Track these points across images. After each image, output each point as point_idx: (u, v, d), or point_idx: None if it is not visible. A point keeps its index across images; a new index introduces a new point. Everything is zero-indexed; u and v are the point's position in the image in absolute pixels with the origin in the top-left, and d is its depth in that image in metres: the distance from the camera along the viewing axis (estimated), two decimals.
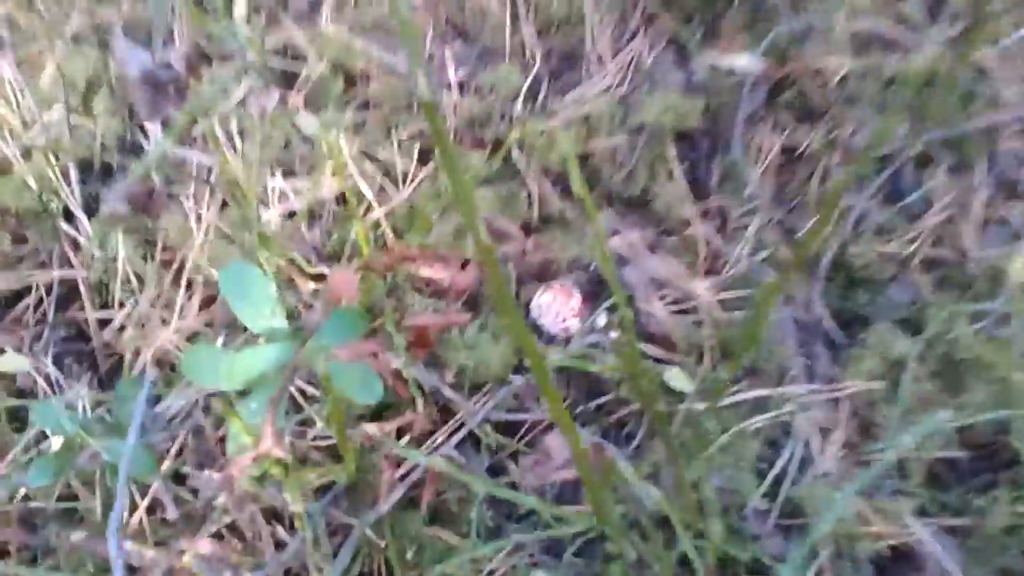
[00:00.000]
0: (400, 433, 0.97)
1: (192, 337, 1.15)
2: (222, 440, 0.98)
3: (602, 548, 0.98)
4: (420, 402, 0.89)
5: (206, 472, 0.79)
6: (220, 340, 1.03)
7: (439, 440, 1.03)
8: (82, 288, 1.21)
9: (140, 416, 0.80)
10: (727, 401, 1.05)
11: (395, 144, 1.26)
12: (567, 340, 1.14)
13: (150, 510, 0.93)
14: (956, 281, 1.13)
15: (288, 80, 1.32)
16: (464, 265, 1.14)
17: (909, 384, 1.06)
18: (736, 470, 1.00)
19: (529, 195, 1.24)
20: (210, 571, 0.79)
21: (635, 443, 1.07)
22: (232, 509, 0.75)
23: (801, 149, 1.26)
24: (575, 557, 0.97)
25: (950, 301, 1.10)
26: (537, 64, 1.30)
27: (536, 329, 1.16)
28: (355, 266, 0.91)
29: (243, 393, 0.86)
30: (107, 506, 0.94)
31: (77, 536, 0.93)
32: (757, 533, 0.98)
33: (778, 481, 1.02)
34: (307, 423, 1.02)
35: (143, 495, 0.94)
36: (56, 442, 1.02)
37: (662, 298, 1.16)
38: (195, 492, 0.98)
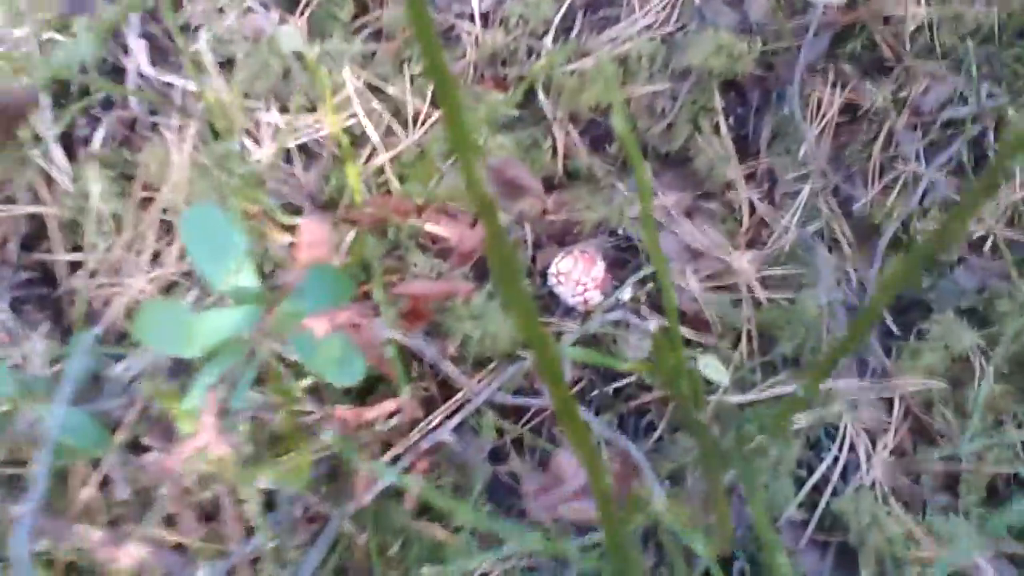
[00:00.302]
0: (390, 413, 0.87)
1: (169, 288, 1.04)
2: None
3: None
4: (408, 388, 0.77)
5: (153, 453, 0.69)
6: (191, 296, 0.93)
7: (435, 421, 0.92)
8: (51, 226, 1.10)
9: (74, 376, 0.70)
10: (765, 395, 0.93)
11: (407, 80, 1.13)
12: (586, 314, 1.02)
13: (103, 485, 0.83)
14: None
15: (291, 0, 1.19)
16: (474, 223, 1.02)
17: (973, 385, 0.94)
18: (772, 475, 0.89)
19: (554, 145, 1.11)
20: (159, 559, 0.70)
21: (656, 435, 0.96)
22: (172, 504, 0.65)
23: (865, 107, 1.12)
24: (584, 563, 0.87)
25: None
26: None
27: (553, 299, 1.04)
28: (336, 216, 0.79)
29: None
30: (58, 481, 0.85)
31: (18, 511, 0.84)
32: (791, 547, 0.87)
33: (818, 489, 0.91)
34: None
35: (95, 467, 0.85)
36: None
37: (697, 271, 1.04)
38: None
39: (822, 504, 0.90)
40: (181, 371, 0.91)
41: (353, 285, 0.73)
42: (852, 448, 0.92)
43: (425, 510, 0.90)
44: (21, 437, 0.76)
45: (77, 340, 0.82)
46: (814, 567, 0.87)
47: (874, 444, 0.92)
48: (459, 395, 0.94)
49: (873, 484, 0.90)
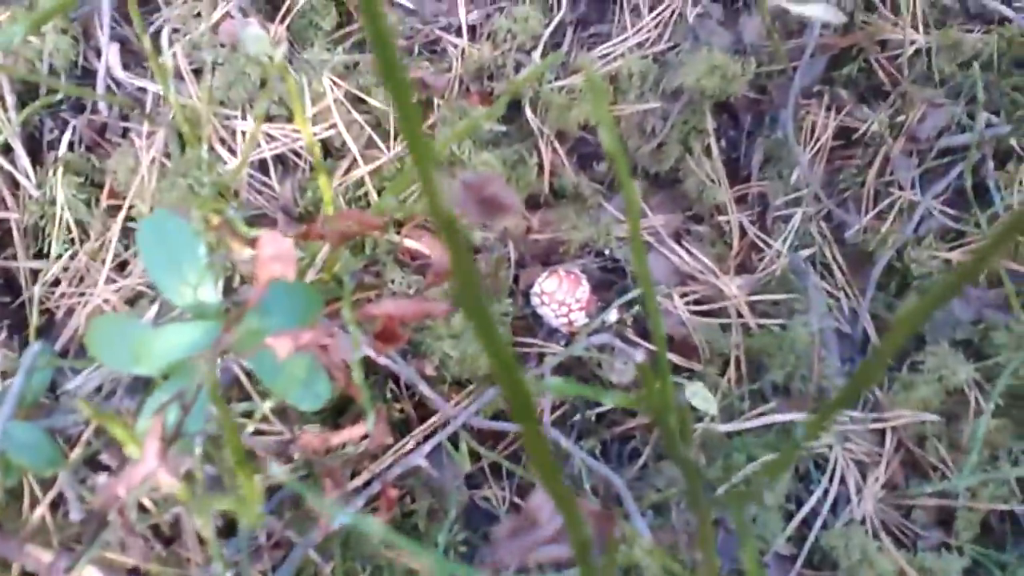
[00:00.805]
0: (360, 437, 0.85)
1: (134, 300, 1.02)
2: None
3: None
4: (374, 415, 0.75)
5: (105, 474, 0.66)
6: (154, 309, 0.91)
7: (409, 445, 0.90)
8: (15, 232, 1.08)
9: (20, 390, 0.67)
10: (753, 423, 0.92)
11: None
12: (570, 336, 1.01)
13: (54, 506, 0.81)
14: None
15: (273, 7, 1.18)
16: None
17: (968, 418, 0.93)
18: (761, 507, 0.87)
19: (540, 162, 1.10)
20: None
21: (640, 463, 0.95)
22: (121, 529, 0.63)
23: (860, 132, 1.13)
24: None
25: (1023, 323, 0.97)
26: (562, 9, 1.15)
27: (536, 320, 1.03)
28: (297, 230, 0.77)
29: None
30: (13, 495, 0.82)
31: None
32: None
33: (807, 523, 0.89)
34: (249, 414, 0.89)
35: (46, 489, 0.82)
36: None
37: (685, 295, 1.03)
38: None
39: (811, 538, 0.89)
40: (140, 388, 0.89)
41: (322, 302, 0.72)
42: (842, 481, 0.91)
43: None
44: None
45: (28, 352, 0.79)
46: None
47: (865, 477, 0.92)
48: (435, 417, 0.92)
49: (864, 519, 0.89)
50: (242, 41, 0.96)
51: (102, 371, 0.87)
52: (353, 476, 0.86)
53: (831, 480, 0.91)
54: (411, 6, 1.22)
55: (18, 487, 0.83)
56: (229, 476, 0.80)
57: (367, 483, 0.87)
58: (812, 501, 0.90)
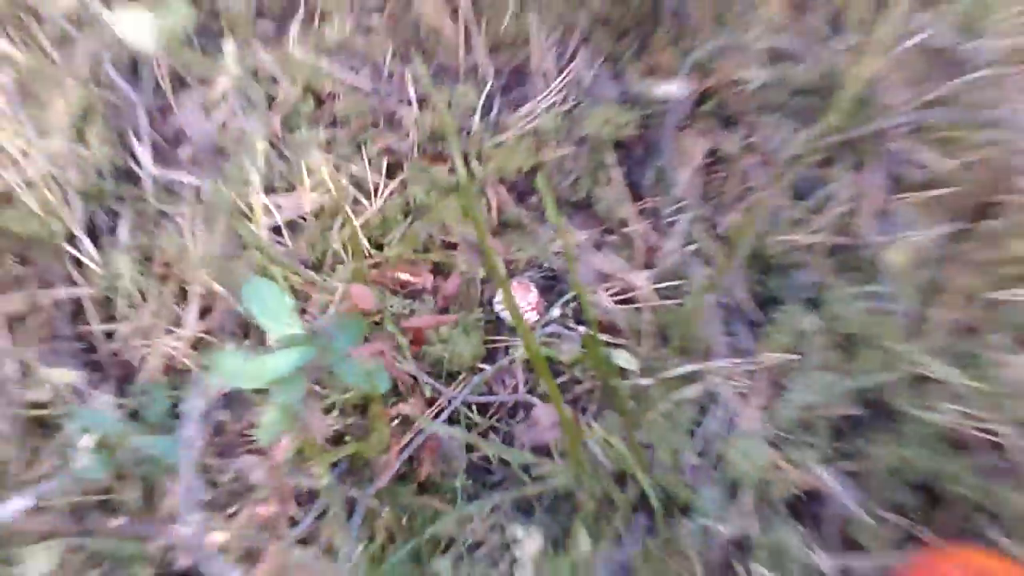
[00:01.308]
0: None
1: (197, 343, 1.37)
2: (240, 434, 1.22)
3: (567, 505, 1.25)
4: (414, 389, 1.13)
5: (244, 457, 1.02)
6: (232, 345, 1.26)
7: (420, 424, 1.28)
8: (87, 304, 1.42)
9: (192, 414, 1.03)
10: (665, 375, 1.32)
11: (365, 159, 1.49)
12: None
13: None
14: (852, 265, 1.42)
15: (264, 102, 1.53)
16: (433, 271, 1.39)
17: (814, 354, 1.34)
18: (675, 432, 1.27)
19: (488, 202, 1.48)
20: (259, 536, 1.03)
21: (590, 416, 1.34)
22: (271, 485, 0.98)
23: (723, 152, 1.53)
24: (544, 513, 1.24)
25: (846, 283, 1.38)
26: (490, 83, 1.54)
27: (500, 322, 1.42)
28: (353, 278, 1.14)
29: (260, 392, 1.10)
30: (147, 494, 1.17)
31: (117, 522, 1.16)
32: (694, 484, 1.25)
33: (709, 440, 1.29)
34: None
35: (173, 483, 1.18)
36: (87, 442, 1.24)
37: (607, 289, 1.42)
38: (214, 483, 1.22)
39: (713, 451, 1.29)
40: (229, 404, 1.25)
41: (364, 326, 1.08)
42: (730, 408, 1.31)
43: (424, 490, 1.26)
44: (127, 463, 1.08)
45: (145, 388, 1.15)
46: (711, 496, 1.25)
47: (746, 404, 1.32)
48: (440, 400, 1.30)
49: (748, 432, 1.30)
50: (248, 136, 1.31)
51: (207, 394, 1.22)
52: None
53: (723, 408, 1.31)
54: (368, 88, 1.58)
55: (150, 486, 1.18)
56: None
57: (405, 446, 1.25)
58: (711, 424, 1.30)
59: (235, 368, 1.01)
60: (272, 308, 1.03)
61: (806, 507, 1.27)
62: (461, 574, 1.16)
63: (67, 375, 1.24)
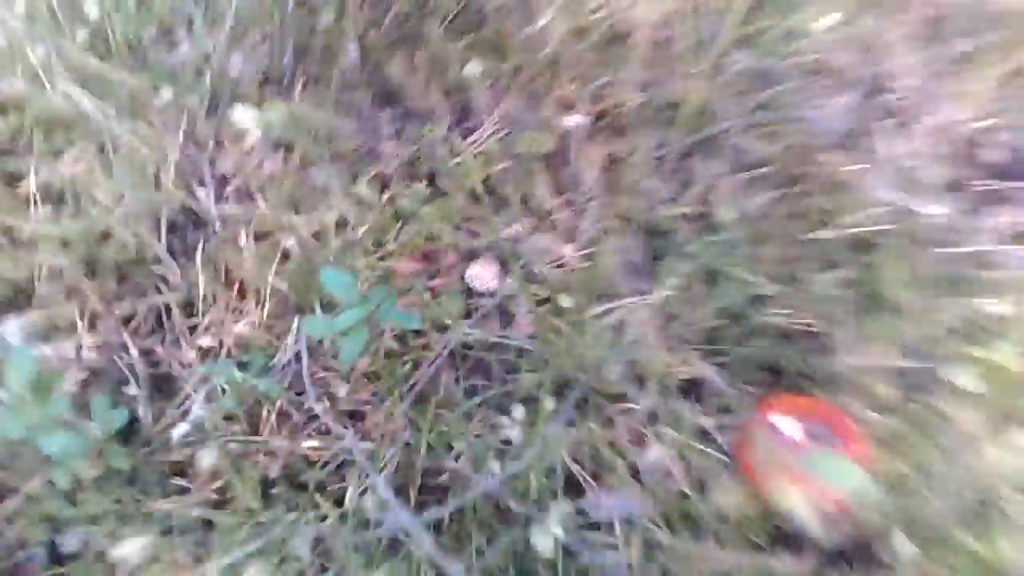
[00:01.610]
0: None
1: (258, 326, 1.95)
2: (313, 375, 1.81)
3: (533, 404, 1.87)
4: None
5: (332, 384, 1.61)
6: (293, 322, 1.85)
7: (429, 362, 1.88)
8: (174, 307, 1.98)
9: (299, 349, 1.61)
10: (591, 312, 1.95)
11: (363, 183, 2.08)
12: (492, 294, 2.01)
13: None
14: (708, 225, 2.07)
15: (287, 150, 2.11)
16: (424, 258, 1.99)
17: (689, 288, 1.99)
18: (600, 347, 1.90)
19: (455, 205, 2.09)
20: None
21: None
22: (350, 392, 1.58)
23: (616, 155, 2.17)
24: (519, 405, 1.85)
25: (706, 237, 2.03)
26: (446, 119, 2.15)
27: (471, 292, 2.03)
28: (404, 263, 1.77)
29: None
30: (250, 416, 1.75)
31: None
32: (615, 380, 1.88)
33: (623, 351, 1.92)
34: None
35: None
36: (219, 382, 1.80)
37: (547, 262, 2.04)
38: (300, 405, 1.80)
39: (626, 358, 1.92)
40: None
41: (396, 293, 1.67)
42: (636, 329, 1.94)
43: (438, 404, 1.86)
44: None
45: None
46: (628, 387, 1.87)
47: (646, 327, 1.95)
48: (437, 347, 1.90)
49: (649, 343, 1.93)
50: (236, 120, 1.88)
51: (287, 351, 1.80)
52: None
53: (631, 329, 1.94)
54: (355, 126, 2.17)
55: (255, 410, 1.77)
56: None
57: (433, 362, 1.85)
58: (624, 340, 1.93)
59: (319, 324, 1.60)
60: (341, 284, 1.61)
61: (692, 388, 1.91)
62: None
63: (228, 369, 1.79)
